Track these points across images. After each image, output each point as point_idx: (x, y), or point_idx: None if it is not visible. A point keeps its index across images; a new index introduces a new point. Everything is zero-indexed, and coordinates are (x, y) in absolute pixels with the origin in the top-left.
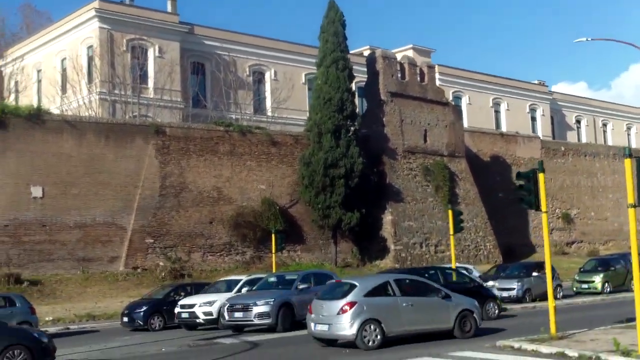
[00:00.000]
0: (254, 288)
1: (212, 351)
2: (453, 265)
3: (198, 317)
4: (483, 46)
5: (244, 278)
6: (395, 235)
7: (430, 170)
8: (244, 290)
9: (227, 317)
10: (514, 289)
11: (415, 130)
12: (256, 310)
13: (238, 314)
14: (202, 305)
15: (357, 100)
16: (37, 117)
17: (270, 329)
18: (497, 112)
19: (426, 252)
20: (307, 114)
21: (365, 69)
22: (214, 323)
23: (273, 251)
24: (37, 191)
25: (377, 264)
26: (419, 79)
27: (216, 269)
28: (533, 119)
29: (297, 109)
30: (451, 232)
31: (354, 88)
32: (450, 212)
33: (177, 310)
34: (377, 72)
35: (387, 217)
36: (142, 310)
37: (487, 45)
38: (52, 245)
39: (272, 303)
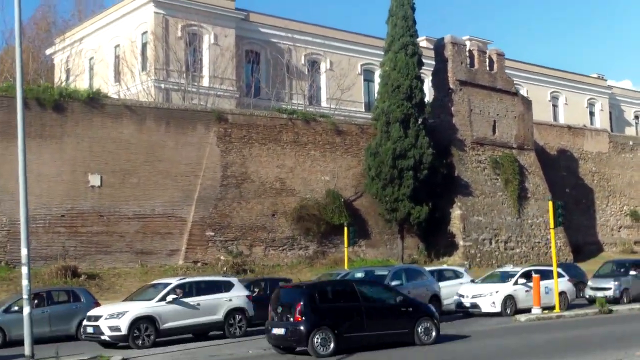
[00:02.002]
0: None
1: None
2: (554, 263)
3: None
4: (541, 38)
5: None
6: (464, 231)
7: (499, 163)
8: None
9: None
10: (610, 288)
11: (484, 120)
12: None
13: None
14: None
15: None
16: (96, 101)
17: None
18: (555, 106)
19: (495, 249)
20: (363, 105)
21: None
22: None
23: (345, 245)
24: (95, 179)
25: (445, 261)
26: (488, 67)
27: (278, 265)
28: (591, 113)
29: (353, 100)
30: (551, 225)
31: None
32: (550, 203)
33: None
34: (446, 59)
35: (456, 212)
36: None
37: (544, 36)
38: (109, 237)
39: None
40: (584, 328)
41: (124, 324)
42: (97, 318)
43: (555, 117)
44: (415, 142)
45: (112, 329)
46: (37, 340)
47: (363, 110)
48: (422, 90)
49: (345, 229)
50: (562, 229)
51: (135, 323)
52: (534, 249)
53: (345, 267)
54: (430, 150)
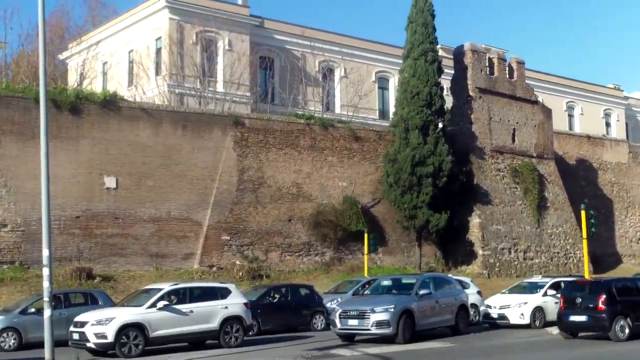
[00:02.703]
0: (366, 292)
1: None
2: (586, 274)
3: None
4: (557, 48)
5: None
6: (483, 240)
7: (518, 171)
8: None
9: (339, 325)
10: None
11: (504, 129)
12: (374, 317)
13: (352, 322)
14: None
15: None
16: (112, 103)
17: (388, 339)
18: (570, 116)
19: (515, 258)
20: (377, 113)
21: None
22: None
23: (365, 252)
24: (110, 182)
25: (464, 270)
26: (507, 75)
27: (294, 270)
28: (607, 124)
29: (368, 107)
30: (584, 235)
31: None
32: (583, 213)
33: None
34: (466, 67)
35: (475, 220)
36: None
37: (560, 46)
38: (124, 240)
39: (392, 310)
40: (630, 343)
41: (110, 331)
42: (83, 324)
43: (571, 127)
44: (435, 149)
45: (98, 335)
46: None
47: (377, 117)
48: (442, 97)
49: (366, 235)
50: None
51: (123, 330)
52: (553, 260)
53: (365, 274)
54: (449, 158)
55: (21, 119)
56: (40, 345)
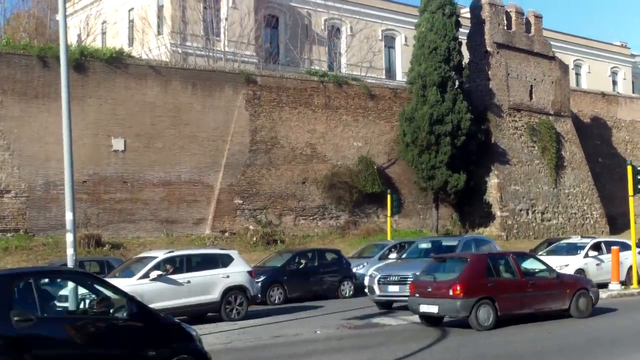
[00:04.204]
0: (403, 256)
1: (383, 336)
2: (632, 235)
3: None
4: (563, 5)
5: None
6: (502, 201)
7: (536, 130)
8: (392, 255)
9: (378, 292)
10: None
11: (521, 85)
12: None
13: (393, 288)
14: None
15: None
16: (118, 61)
17: None
18: (577, 74)
19: (532, 219)
20: (383, 72)
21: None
22: None
23: (388, 215)
24: (118, 144)
25: (481, 232)
26: (524, 29)
27: (309, 235)
28: (614, 82)
29: (374, 67)
30: (630, 192)
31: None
32: (629, 168)
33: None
34: (483, 21)
35: (493, 181)
36: (260, 280)
37: (567, 3)
38: (133, 205)
39: None
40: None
41: None
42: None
43: (578, 86)
44: (453, 107)
45: None
46: None
47: (384, 77)
48: (460, 53)
49: (389, 197)
50: (599, 199)
51: None
52: (571, 221)
53: (388, 237)
54: (468, 116)
55: (23, 78)
56: None
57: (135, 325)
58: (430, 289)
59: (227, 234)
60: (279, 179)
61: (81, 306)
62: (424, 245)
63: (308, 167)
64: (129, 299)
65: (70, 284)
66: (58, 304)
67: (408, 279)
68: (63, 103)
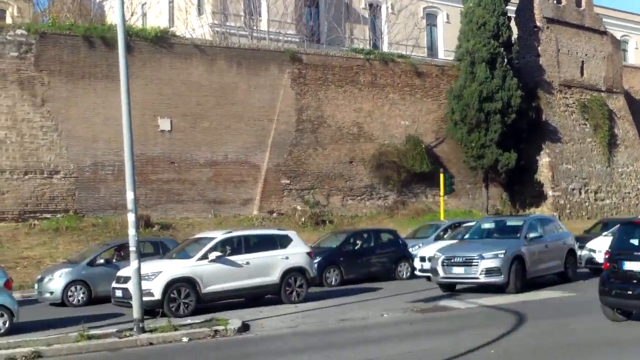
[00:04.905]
0: (465, 236)
1: (457, 320)
2: None
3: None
4: None
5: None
6: (553, 180)
7: (587, 107)
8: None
9: (442, 273)
10: None
11: (572, 61)
12: (484, 265)
13: (457, 270)
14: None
15: None
16: (164, 40)
17: (496, 288)
18: (624, 50)
19: (585, 199)
20: (425, 51)
21: None
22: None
23: (441, 194)
24: (165, 124)
25: (533, 212)
26: (575, 3)
27: (357, 215)
28: None
29: (416, 45)
30: None
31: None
32: None
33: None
34: None
35: (544, 159)
36: (316, 262)
37: None
38: (181, 185)
39: (502, 256)
40: None
41: (157, 288)
42: (126, 279)
43: (625, 61)
44: (503, 84)
45: (143, 293)
46: None
47: (426, 55)
48: (509, 28)
49: (442, 175)
50: None
51: (171, 286)
52: (625, 200)
53: (441, 217)
54: (518, 93)
55: (69, 58)
56: (109, 299)
57: None
58: None
59: (274, 215)
60: (326, 158)
61: None
62: (487, 225)
63: (355, 147)
64: None
65: None
66: None
67: (474, 261)
68: (122, 83)
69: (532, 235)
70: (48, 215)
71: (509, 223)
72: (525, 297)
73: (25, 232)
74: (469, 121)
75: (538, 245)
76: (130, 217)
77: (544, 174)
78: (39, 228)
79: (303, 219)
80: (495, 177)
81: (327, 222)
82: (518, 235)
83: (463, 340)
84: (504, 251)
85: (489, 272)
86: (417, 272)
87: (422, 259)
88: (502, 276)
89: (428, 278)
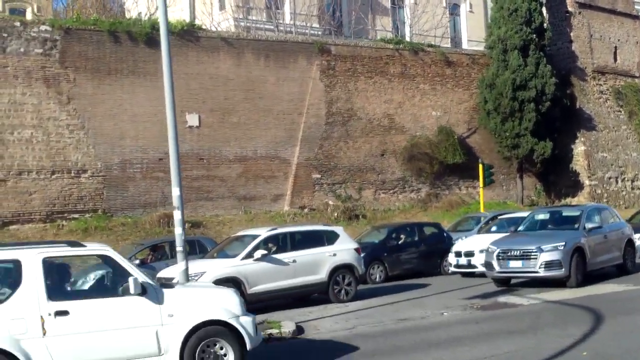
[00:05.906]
0: (519, 229)
1: (527, 318)
2: None
3: None
4: None
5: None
6: (589, 169)
7: (622, 93)
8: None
9: (497, 268)
10: None
11: (605, 47)
12: (543, 258)
13: (514, 263)
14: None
15: None
16: (190, 34)
17: (556, 283)
18: None
19: (622, 188)
20: (449, 42)
21: None
22: None
23: (481, 186)
24: (193, 119)
25: (569, 202)
26: None
27: (390, 209)
28: None
29: (440, 36)
30: None
31: None
32: None
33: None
34: None
35: (579, 148)
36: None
37: None
38: (210, 182)
39: (562, 248)
40: None
41: None
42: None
43: None
44: (536, 71)
45: None
46: None
47: (450, 46)
48: (541, 14)
49: (480, 166)
50: None
51: None
52: None
53: (481, 209)
54: (553, 80)
55: (95, 54)
56: None
57: None
58: None
59: (306, 210)
60: (357, 151)
61: None
62: (541, 217)
63: (386, 139)
64: None
65: None
66: None
67: (532, 254)
68: (165, 79)
69: (590, 225)
70: (76, 216)
71: (565, 213)
72: (588, 292)
73: (54, 234)
74: (502, 110)
75: (597, 236)
76: (177, 215)
77: (579, 163)
78: (68, 229)
79: (336, 214)
80: (530, 167)
81: (360, 216)
82: (576, 225)
83: (543, 341)
84: (563, 243)
85: (548, 265)
86: (451, 269)
87: (458, 254)
88: (563, 269)
89: (463, 274)
